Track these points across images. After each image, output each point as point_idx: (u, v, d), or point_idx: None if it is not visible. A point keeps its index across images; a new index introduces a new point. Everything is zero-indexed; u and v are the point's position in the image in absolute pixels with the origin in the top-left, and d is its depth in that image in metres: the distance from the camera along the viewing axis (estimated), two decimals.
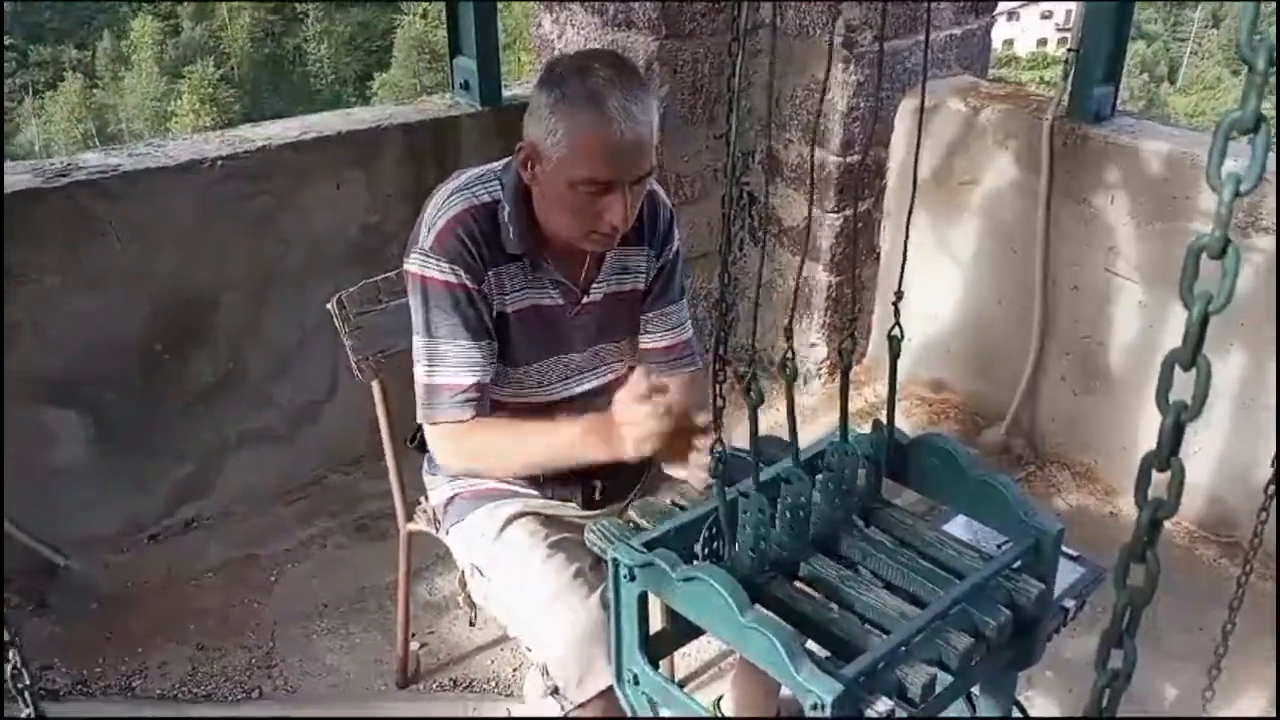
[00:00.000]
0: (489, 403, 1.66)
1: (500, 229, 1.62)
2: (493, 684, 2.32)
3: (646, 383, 1.47)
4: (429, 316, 1.61)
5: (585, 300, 1.71)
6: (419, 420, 1.69)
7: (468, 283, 1.59)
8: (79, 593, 2.49)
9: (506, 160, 1.66)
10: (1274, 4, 0.52)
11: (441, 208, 1.61)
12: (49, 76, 40.59)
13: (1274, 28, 0.49)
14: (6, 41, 36.86)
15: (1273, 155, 2.57)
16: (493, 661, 2.37)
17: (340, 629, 2.45)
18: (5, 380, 2.32)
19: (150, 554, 2.64)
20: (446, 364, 1.61)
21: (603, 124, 1.46)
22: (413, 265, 1.62)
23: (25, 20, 40.36)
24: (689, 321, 1.85)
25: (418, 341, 1.64)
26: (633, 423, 1.46)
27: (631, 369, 1.86)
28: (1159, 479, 0.58)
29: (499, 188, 1.63)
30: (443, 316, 1.60)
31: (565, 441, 1.58)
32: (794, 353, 1.07)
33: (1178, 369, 0.52)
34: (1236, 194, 0.49)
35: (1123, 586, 0.56)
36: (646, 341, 1.81)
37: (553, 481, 1.76)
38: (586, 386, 1.78)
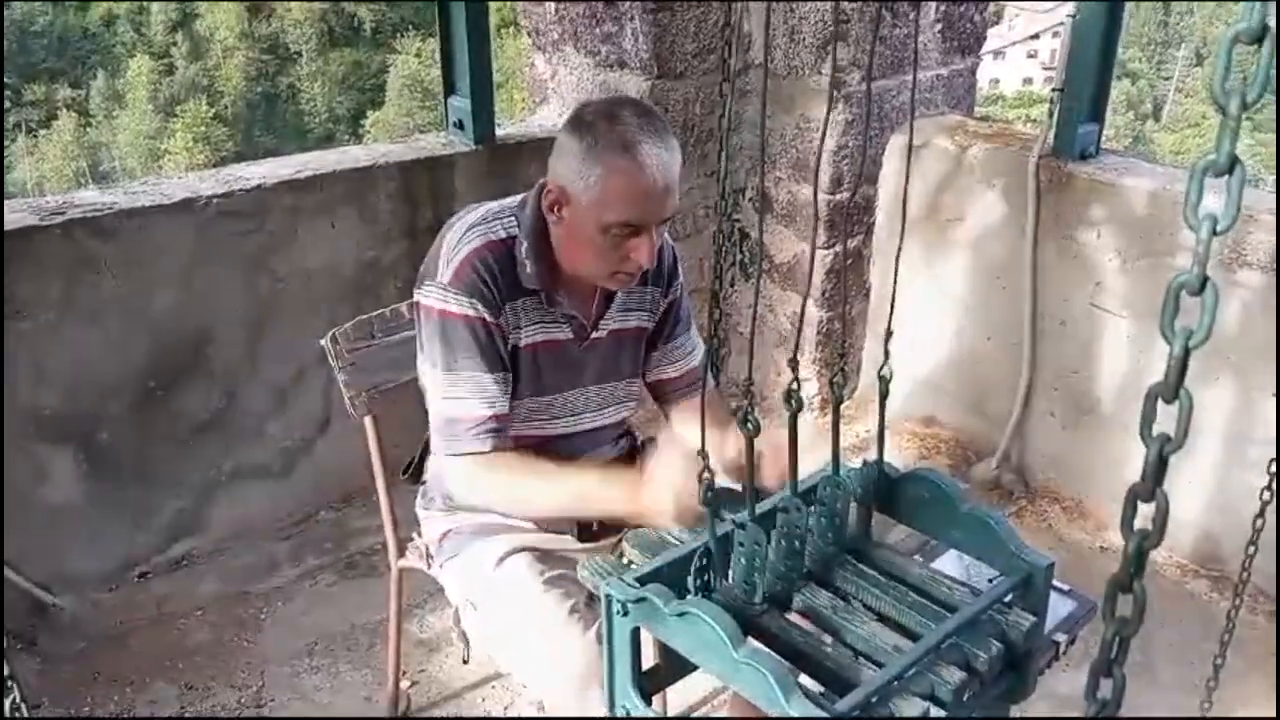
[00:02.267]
0: (509, 434, 1.66)
1: (517, 264, 1.64)
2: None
3: (691, 461, 1.46)
4: (447, 350, 1.61)
5: (593, 335, 1.74)
6: (437, 452, 1.69)
7: (486, 316, 1.61)
8: (68, 631, 2.48)
9: (522, 196, 1.69)
10: (1250, 48, 0.53)
11: (459, 243, 1.63)
12: (42, 115, 40.78)
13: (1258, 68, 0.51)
14: None
15: (1269, 193, 2.62)
16: (484, 700, 2.35)
17: (331, 667, 2.43)
18: (2, 418, 2.33)
19: (140, 592, 2.62)
20: (465, 397, 1.62)
21: (636, 170, 1.51)
22: (429, 299, 1.63)
23: (19, 60, 40.61)
24: (699, 349, 1.88)
25: (434, 375, 1.64)
26: (673, 498, 1.44)
27: (631, 413, 1.88)
28: (1145, 510, 0.59)
29: (515, 224, 1.66)
30: (462, 350, 1.61)
31: (594, 496, 1.60)
32: (799, 383, 1.08)
33: (1161, 402, 0.54)
34: (1214, 233, 0.50)
35: (1111, 617, 0.57)
36: (662, 374, 1.85)
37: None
38: (590, 425, 1.79)
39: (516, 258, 1.64)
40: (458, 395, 1.62)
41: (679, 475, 1.43)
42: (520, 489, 1.65)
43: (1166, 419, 0.59)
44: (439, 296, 1.61)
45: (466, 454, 1.64)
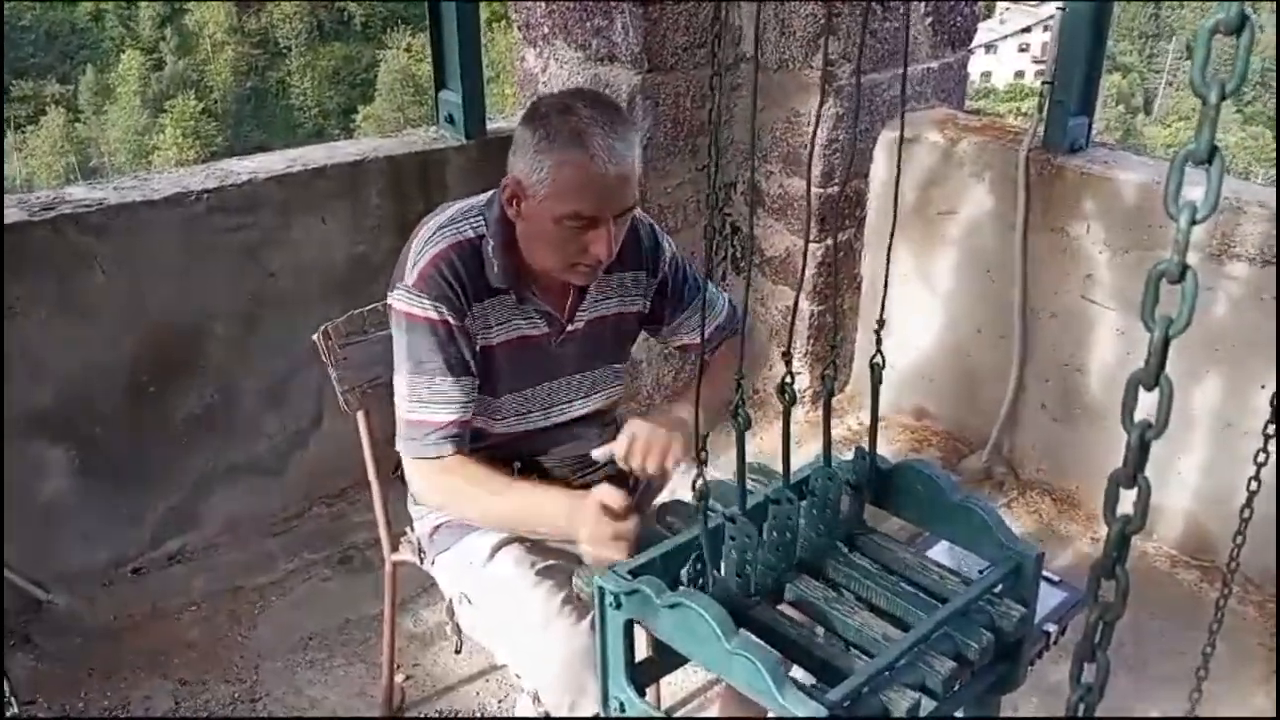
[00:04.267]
0: (468, 439, 1.67)
1: (485, 263, 1.64)
2: (479, 715, 2.32)
3: (618, 519, 1.45)
4: (412, 353, 1.62)
5: (569, 328, 1.73)
6: (399, 451, 1.70)
7: (450, 319, 1.61)
8: (62, 628, 2.47)
9: (490, 194, 1.69)
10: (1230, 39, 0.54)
11: (425, 245, 1.63)
12: (31, 111, 40.58)
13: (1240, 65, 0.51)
14: None
15: (1261, 185, 2.64)
16: (478, 693, 2.36)
17: (325, 661, 2.43)
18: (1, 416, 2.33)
19: (134, 588, 2.62)
20: (427, 401, 1.63)
21: (586, 161, 1.50)
22: (397, 301, 1.64)
23: (7, 55, 40.36)
24: (719, 301, 1.87)
25: (400, 377, 1.65)
26: (591, 543, 1.45)
27: (616, 399, 1.89)
28: (1128, 496, 0.60)
29: (482, 223, 1.65)
30: (425, 353, 1.61)
31: (533, 514, 1.61)
32: (792, 377, 1.09)
33: (1142, 390, 0.55)
34: (1193, 222, 0.51)
35: (1094, 601, 0.57)
36: (685, 339, 1.86)
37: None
38: (571, 415, 1.80)
39: (484, 256, 1.64)
40: (421, 399, 1.63)
41: (606, 525, 1.44)
42: (468, 496, 1.65)
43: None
44: (406, 300, 1.62)
45: (427, 458, 1.65)
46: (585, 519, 1.46)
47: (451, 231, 1.64)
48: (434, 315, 1.60)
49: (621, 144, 1.52)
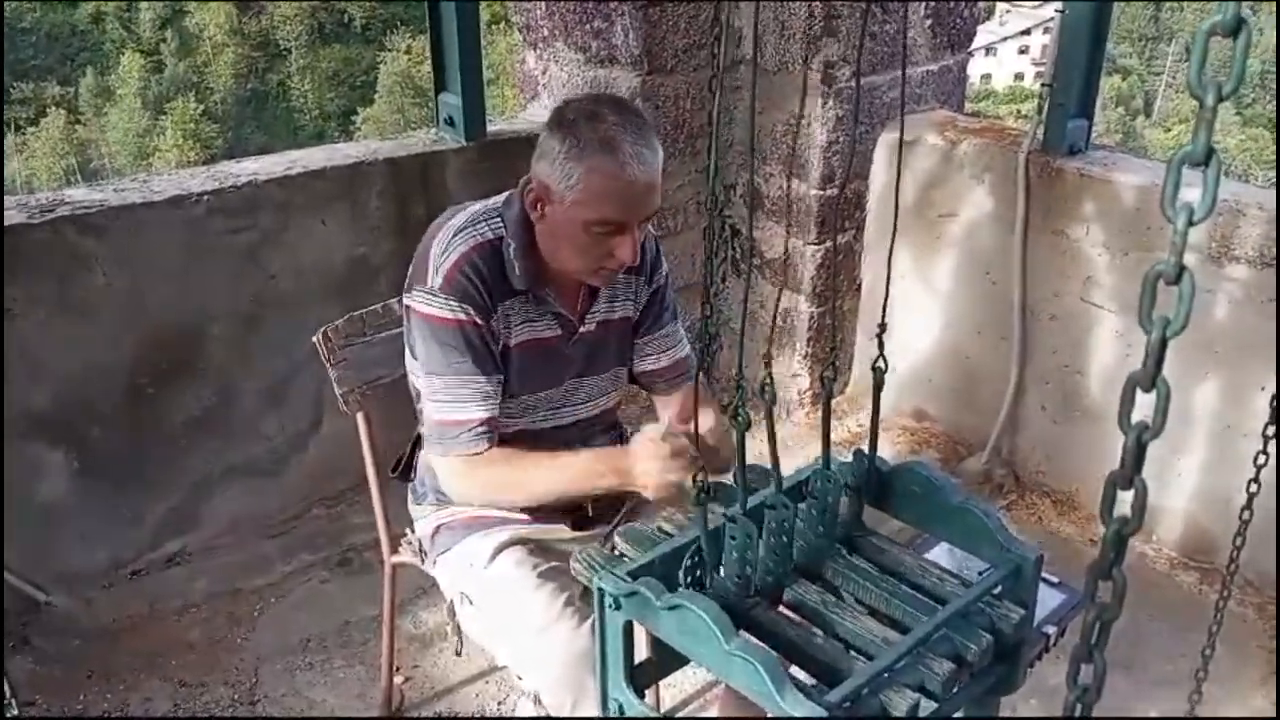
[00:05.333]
0: (497, 434, 1.68)
1: (505, 265, 1.65)
2: (478, 717, 2.31)
3: (673, 436, 1.52)
4: (440, 355, 1.63)
5: (581, 329, 1.75)
6: (431, 456, 1.71)
7: (477, 319, 1.62)
8: (61, 630, 2.47)
9: (506, 195, 1.69)
10: (1228, 41, 0.54)
11: (447, 247, 1.64)
12: (31, 113, 40.59)
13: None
14: None
15: (1260, 188, 2.64)
16: (478, 695, 2.36)
17: (324, 663, 2.43)
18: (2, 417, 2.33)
19: (133, 589, 2.62)
20: (460, 400, 1.64)
21: (617, 169, 1.52)
22: (420, 305, 1.64)
23: (8, 57, 40.37)
24: (685, 340, 1.89)
25: (428, 380, 1.66)
26: (652, 472, 1.51)
27: (618, 402, 1.89)
28: (1125, 497, 0.60)
29: (501, 224, 1.66)
30: (455, 354, 1.62)
31: (581, 472, 1.63)
32: (772, 378, 1.09)
33: (1140, 391, 0.55)
34: (1190, 223, 0.51)
35: (1091, 602, 0.57)
36: (647, 364, 1.86)
37: (541, 506, 1.77)
38: (583, 415, 1.81)
39: (505, 258, 1.65)
40: (452, 400, 1.64)
41: (661, 446, 1.50)
42: (513, 479, 1.67)
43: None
44: (430, 303, 1.62)
45: (463, 455, 1.65)
46: (643, 453, 1.52)
47: (472, 233, 1.65)
48: (462, 316, 1.61)
49: (649, 150, 1.54)
